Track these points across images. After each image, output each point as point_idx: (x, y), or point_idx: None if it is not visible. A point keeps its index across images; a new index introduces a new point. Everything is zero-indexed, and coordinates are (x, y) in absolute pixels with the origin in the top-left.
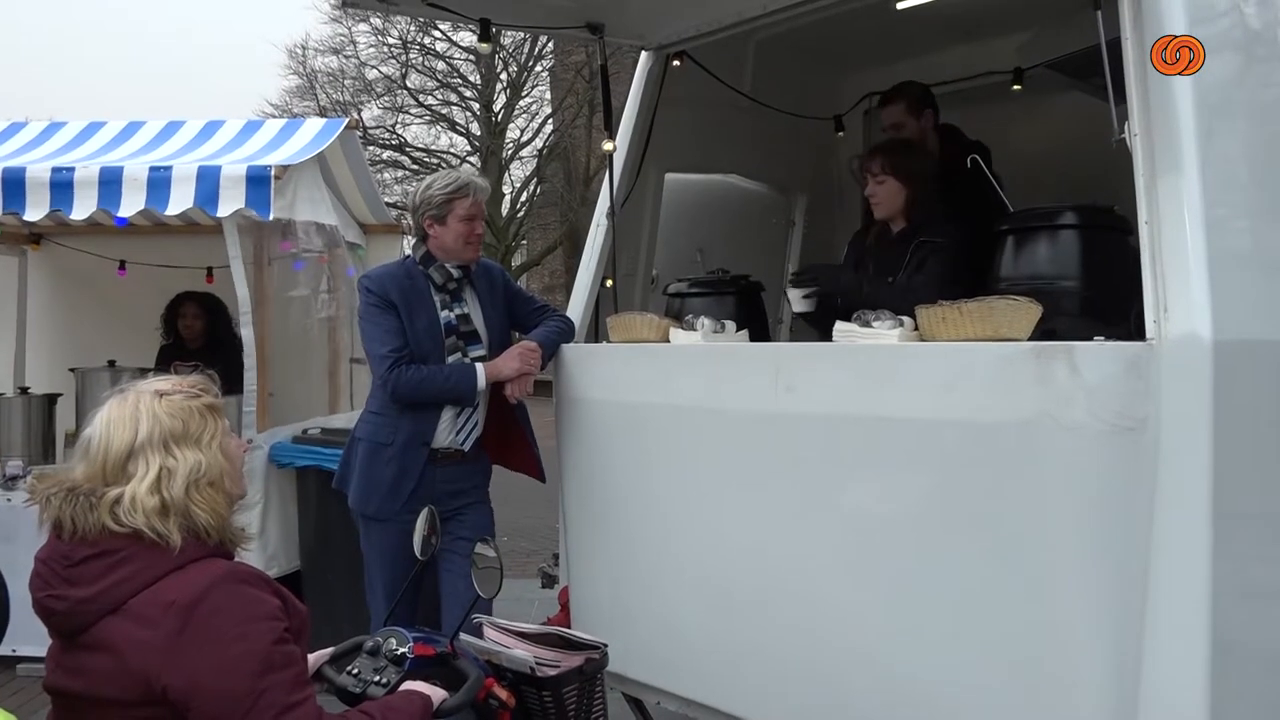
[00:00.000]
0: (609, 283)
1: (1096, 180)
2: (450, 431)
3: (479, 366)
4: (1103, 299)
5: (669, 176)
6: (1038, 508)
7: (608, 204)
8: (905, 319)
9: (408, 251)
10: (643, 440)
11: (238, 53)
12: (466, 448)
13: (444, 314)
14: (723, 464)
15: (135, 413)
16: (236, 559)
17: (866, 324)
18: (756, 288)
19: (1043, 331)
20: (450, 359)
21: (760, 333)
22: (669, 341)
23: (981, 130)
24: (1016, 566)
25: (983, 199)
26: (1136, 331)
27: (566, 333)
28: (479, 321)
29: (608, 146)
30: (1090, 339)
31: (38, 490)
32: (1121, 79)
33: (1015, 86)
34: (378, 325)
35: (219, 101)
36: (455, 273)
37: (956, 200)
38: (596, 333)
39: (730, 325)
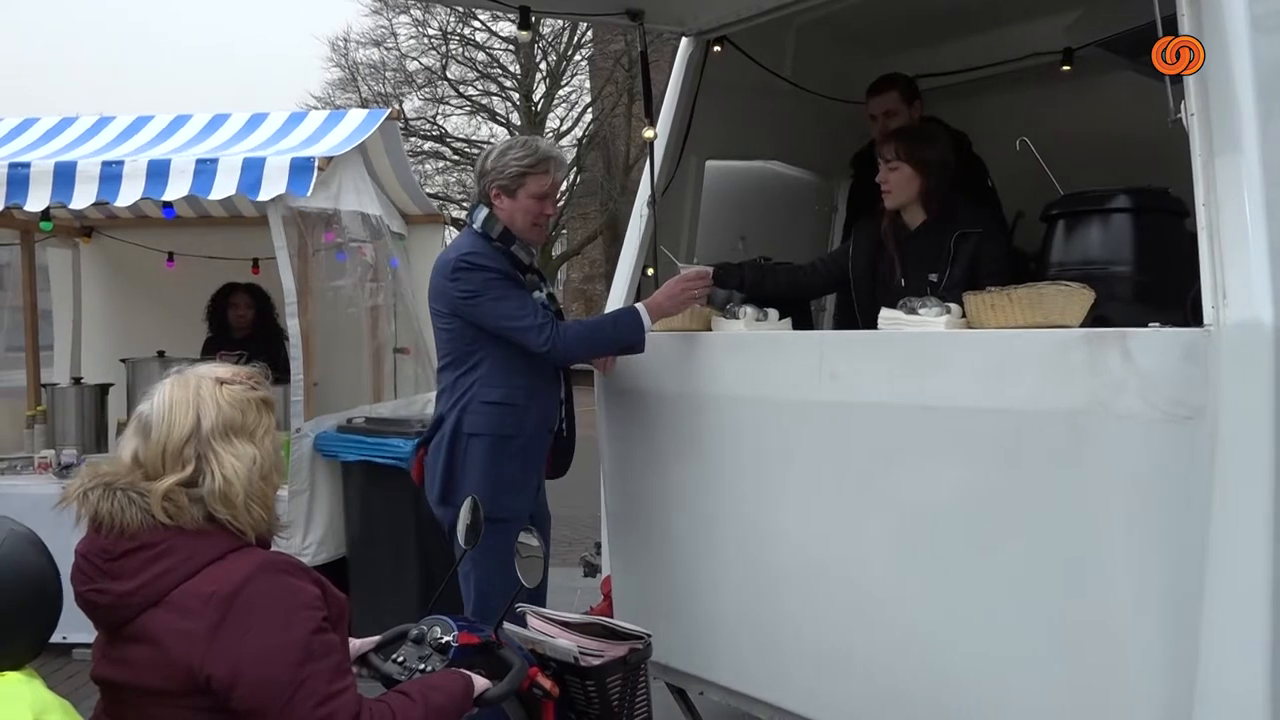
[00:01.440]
0: (650, 271)
1: (1149, 163)
2: (559, 414)
3: (640, 307)
4: (1158, 284)
5: (710, 164)
6: (1089, 498)
7: (648, 192)
8: (952, 306)
9: (448, 240)
10: (684, 429)
11: (280, 46)
12: (564, 429)
13: (536, 294)
14: (766, 453)
15: (197, 398)
16: (275, 548)
17: (913, 311)
18: None
19: (1095, 318)
20: None
21: (803, 320)
22: (711, 330)
23: (1028, 113)
24: (1066, 557)
25: (979, 191)
26: (1193, 318)
27: None
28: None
29: (648, 134)
30: (1145, 325)
31: (72, 485)
32: None
33: (1065, 67)
34: (509, 298)
35: (263, 94)
36: (536, 251)
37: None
38: None
39: (773, 313)
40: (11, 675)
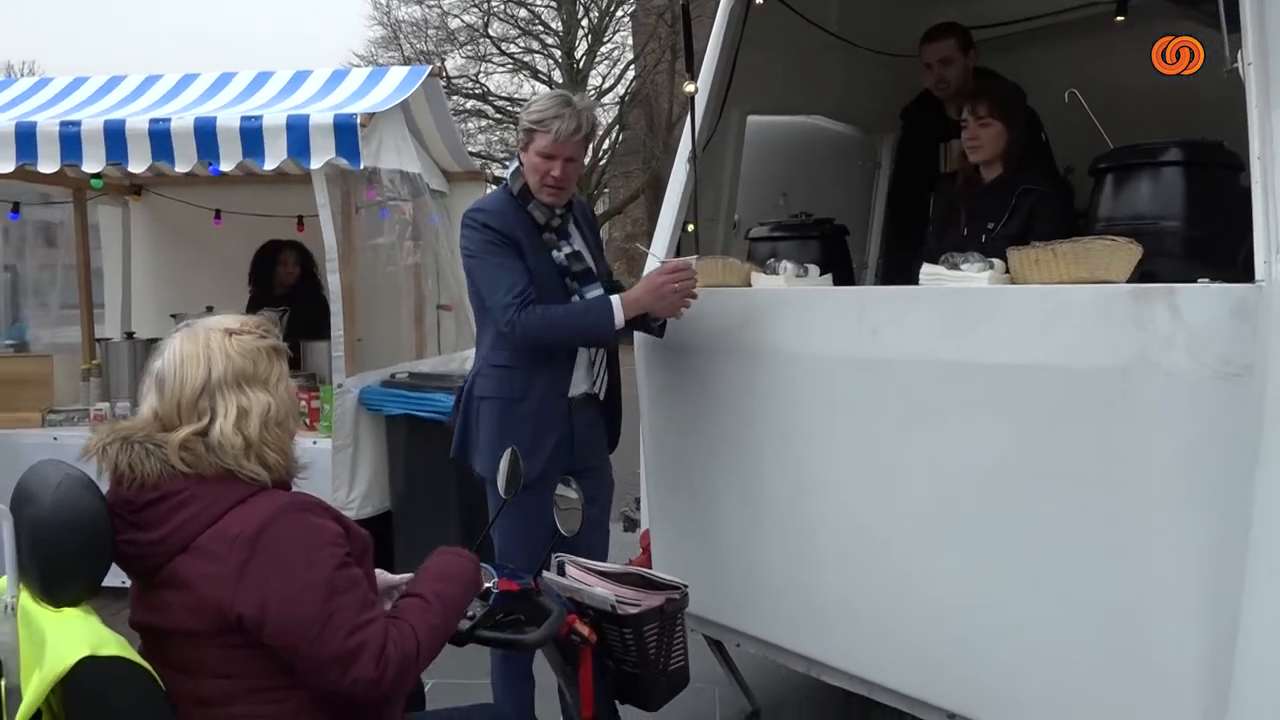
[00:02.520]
0: (690, 227)
1: (1203, 117)
2: (587, 376)
3: (615, 300)
4: (1208, 239)
5: (751, 119)
6: (1133, 455)
7: (689, 148)
8: (995, 261)
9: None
10: (724, 385)
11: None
12: (602, 393)
13: (555, 254)
14: (805, 409)
15: (207, 350)
16: (295, 489)
17: (954, 266)
18: (841, 231)
19: (1142, 274)
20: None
21: (844, 277)
22: (751, 286)
23: (1079, 65)
24: (1109, 516)
25: (1033, 146)
26: (1244, 273)
27: None
28: (589, 259)
29: (689, 89)
30: (1194, 281)
31: (92, 441)
32: (1235, 4)
33: (1118, 17)
34: (498, 265)
35: (307, 53)
36: (557, 210)
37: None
38: None
39: (814, 269)
40: (70, 611)
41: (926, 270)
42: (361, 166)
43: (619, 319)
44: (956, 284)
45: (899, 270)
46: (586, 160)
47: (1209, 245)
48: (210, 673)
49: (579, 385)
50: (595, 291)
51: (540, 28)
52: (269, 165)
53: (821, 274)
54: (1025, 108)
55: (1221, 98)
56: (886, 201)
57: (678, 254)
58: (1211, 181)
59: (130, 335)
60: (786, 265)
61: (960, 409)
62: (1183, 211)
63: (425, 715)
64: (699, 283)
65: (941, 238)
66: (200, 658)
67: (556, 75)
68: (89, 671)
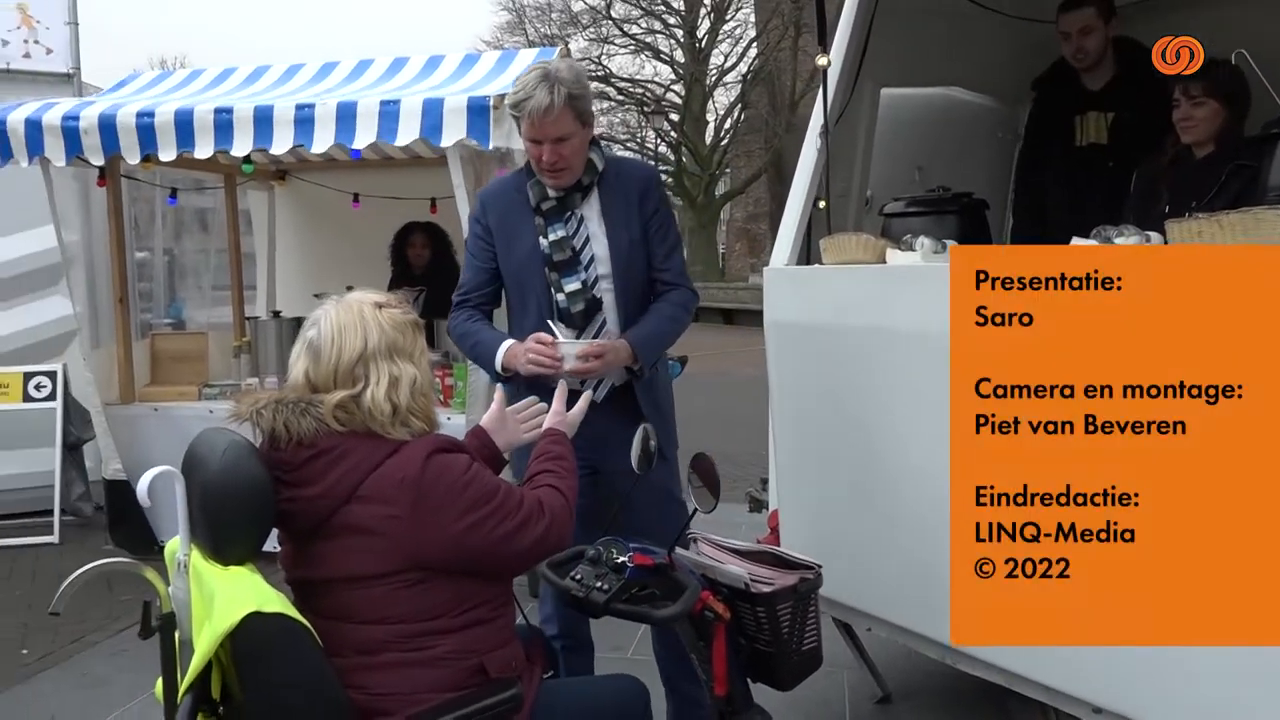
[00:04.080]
0: (822, 204)
1: None
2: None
3: (503, 347)
4: None
5: (885, 91)
6: None
7: (820, 123)
8: (1153, 235)
9: None
10: (857, 365)
11: None
12: (599, 397)
13: (540, 240)
14: (940, 390)
15: (363, 321)
16: None
17: (1107, 240)
18: (980, 205)
19: None
20: (555, 294)
21: None
22: (885, 263)
23: (1235, 30)
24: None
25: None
26: None
27: (675, 322)
28: (597, 242)
29: (821, 61)
30: None
31: (243, 405)
32: None
33: None
34: (468, 257)
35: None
36: (551, 191)
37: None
38: (808, 255)
39: (952, 245)
40: (237, 569)
41: (1076, 245)
42: (491, 147)
43: (499, 364)
44: None
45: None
46: (707, 140)
47: None
48: (368, 618)
49: (571, 382)
50: (574, 285)
51: (662, 7)
52: (400, 143)
53: None
54: (1244, 85)
55: None
56: (1015, 175)
57: (808, 231)
58: None
59: (276, 314)
60: (924, 241)
61: None
62: None
63: (560, 682)
64: (831, 260)
65: (1141, 217)
66: (362, 601)
67: (678, 55)
68: (254, 626)
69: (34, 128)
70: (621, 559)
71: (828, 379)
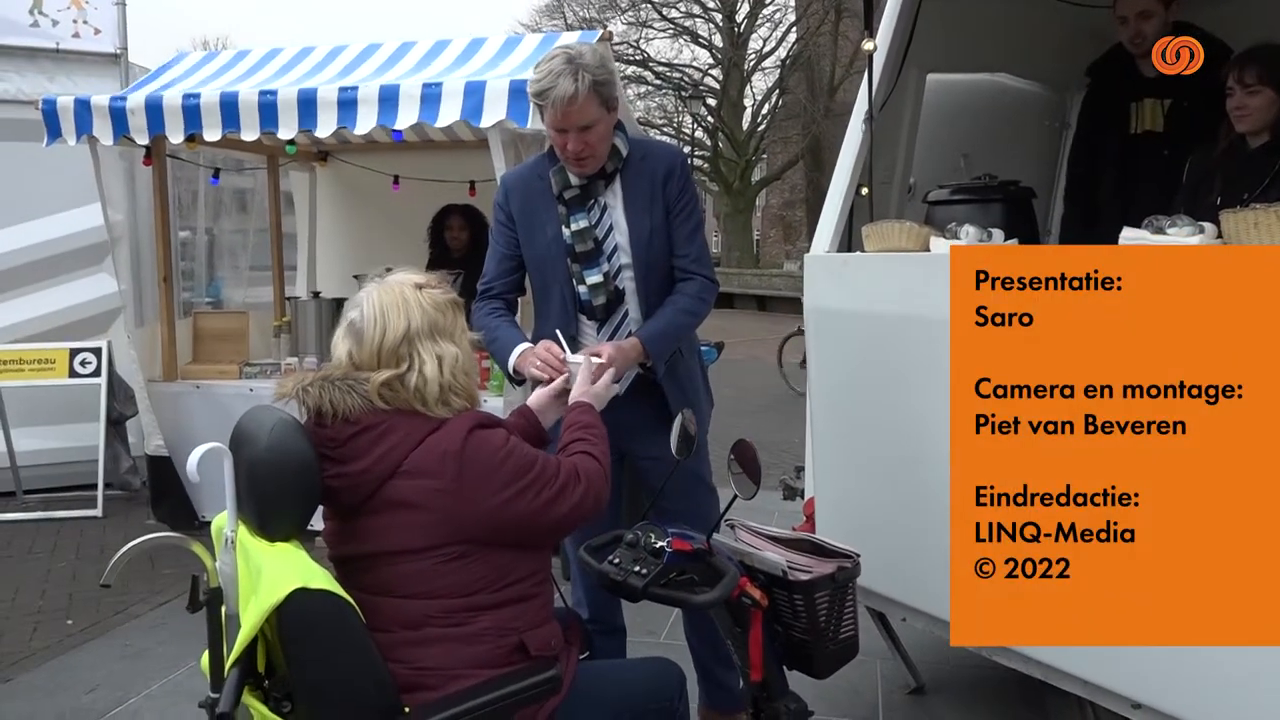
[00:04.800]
0: (864, 190)
1: None
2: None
3: (515, 352)
4: None
5: (931, 77)
6: None
7: (865, 108)
8: (1206, 225)
9: None
10: (898, 353)
11: None
12: (621, 391)
13: (564, 229)
14: None
15: (405, 302)
16: None
17: (1160, 230)
18: (1026, 194)
19: None
20: (577, 285)
21: (1030, 242)
22: (929, 251)
23: None
24: None
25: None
26: None
27: (690, 315)
28: (620, 230)
29: (867, 46)
30: None
31: (288, 384)
32: None
33: None
34: (491, 246)
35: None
36: (574, 179)
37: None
38: (850, 242)
39: (998, 234)
40: (283, 545)
41: (1127, 235)
42: (530, 128)
43: (512, 363)
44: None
45: (1077, 237)
46: (744, 126)
47: None
48: (410, 592)
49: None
50: (594, 278)
51: None
52: (441, 124)
53: (1006, 239)
54: None
55: None
56: (1067, 163)
57: (850, 218)
58: None
59: (316, 294)
60: (969, 229)
61: None
62: None
63: (596, 664)
64: (873, 247)
65: (1193, 207)
66: (404, 576)
67: (717, 39)
68: (300, 602)
69: (83, 107)
70: (660, 544)
71: (867, 367)
